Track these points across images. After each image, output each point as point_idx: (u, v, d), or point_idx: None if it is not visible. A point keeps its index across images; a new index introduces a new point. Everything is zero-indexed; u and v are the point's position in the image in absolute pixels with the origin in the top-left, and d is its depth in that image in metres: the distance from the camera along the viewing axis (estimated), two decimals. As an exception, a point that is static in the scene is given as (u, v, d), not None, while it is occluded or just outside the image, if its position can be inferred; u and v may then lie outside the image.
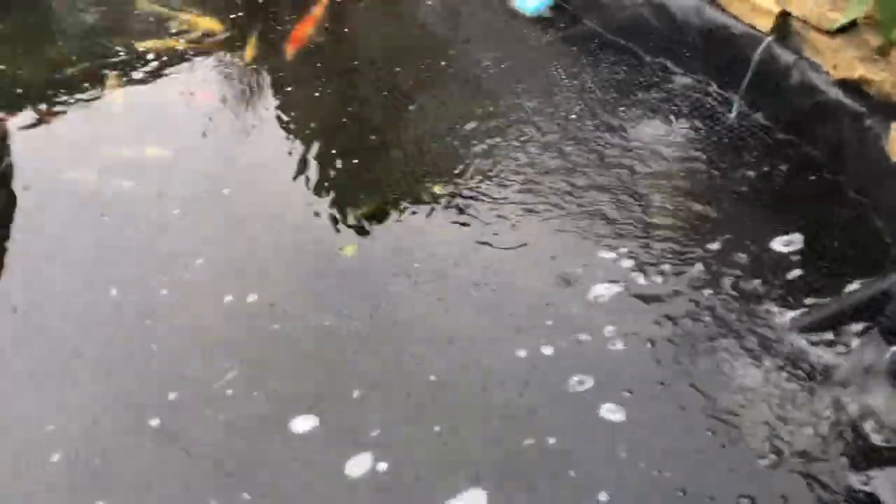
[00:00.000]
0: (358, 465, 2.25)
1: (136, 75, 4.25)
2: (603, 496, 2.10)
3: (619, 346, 2.49)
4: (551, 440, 2.25)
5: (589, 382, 2.40)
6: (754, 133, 3.26)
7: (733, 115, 3.36)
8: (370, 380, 2.51)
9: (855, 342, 2.30)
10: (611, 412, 2.31)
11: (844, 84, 2.83)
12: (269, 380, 2.55)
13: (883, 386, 2.05)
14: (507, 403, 2.39)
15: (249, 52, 4.36)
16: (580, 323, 2.59)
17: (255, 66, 4.29)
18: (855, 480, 2.05)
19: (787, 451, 2.14)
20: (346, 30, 4.66)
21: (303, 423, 2.38)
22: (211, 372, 2.58)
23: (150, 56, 4.42)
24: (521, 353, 2.52)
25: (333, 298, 2.82)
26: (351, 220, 3.17)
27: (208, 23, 4.72)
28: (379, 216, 3.18)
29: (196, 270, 2.99)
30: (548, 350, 2.52)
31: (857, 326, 2.34)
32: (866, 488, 2.03)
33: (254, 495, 2.21)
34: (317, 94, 4.02)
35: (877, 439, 2.12)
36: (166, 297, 2.87)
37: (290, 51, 4.33)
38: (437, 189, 3.27)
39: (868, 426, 2.15)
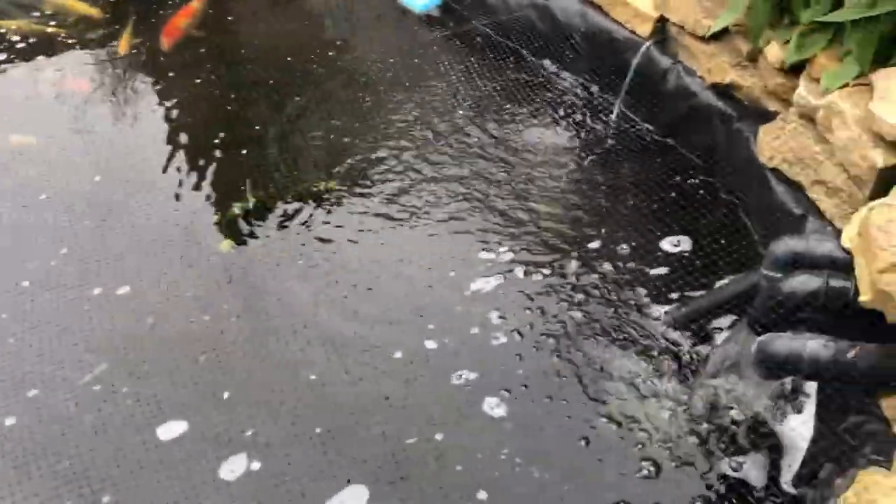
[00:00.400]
0: (233, 467, 2.18)
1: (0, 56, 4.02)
2: (482, 495, 2.10)
3: (501, 339, 2.50)
4: (436, 437, 2.24)
5: (471, 377, 2.40)
6: (634, 135, 3.35)
7: (614, 117, 3.45)
8: (248, 379, 2.43)
9: (725, 334, 2.39)
10: (492, 407, 2.31)
11: (717, 88, 2.95)
12: (139, 377, 2.43)
13: (750, 375, 2.13)
14: (391, 400, 2.36)
15: (125, 40, 4.17)
16: (461, 319, 2.59)
17: (131, 55, 4.11)
18: (725, 466, 2.13)
19: (660, 440, 2.19)
20: (231, 21, 4.52)
21: (174, 427, 2.29)
22: (77, 368, 2.44)
23: (16, 38, 4.17)
24: (403, 351, 2.49)
25: (209, 295, 2.72)
26: (229, 215, 3.07)
27: (84, 7, 4.50)
28: (258, 211, 3.09)
29: (62, 260, 2.82)
30: (430, 344, 2.50)
31: (727, 319, 2.43)
32: (736, 474, 2.11)
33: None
34: (197, 84, 3.88)
35: (744, 425, 2.21)
36: (27, 288, 2.70)
37: (166, 42, 4.17)
38: (320, 185, 3.20)
39: (736, 413, 2.23)
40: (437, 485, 2.13)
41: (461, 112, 3.58)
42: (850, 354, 1.82)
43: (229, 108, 3.71)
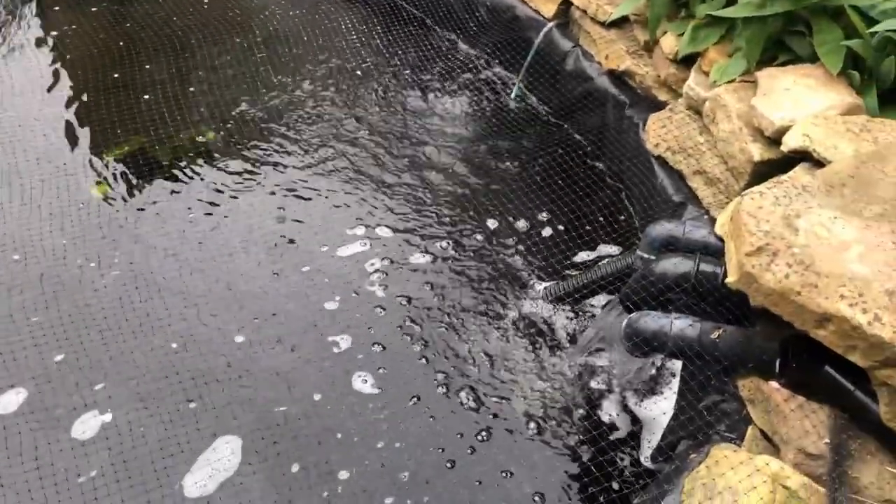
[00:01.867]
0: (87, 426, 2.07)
1: None
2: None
3: (382, 313, 2.46)
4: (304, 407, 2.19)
5: (345, 345, 2.36)
6: (531, 115, 3.37)
7: (513, 95, 3.46)
8: (117, 336, 2.31)
9: (598, 311, 2.43)
10: (364, 382, 2.27)
11: (613, 75, 3.00)
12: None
13: (618, 349, 2.18)
14: (265, 366, 2.29)
15: None
16: (344, 289, 2.54)
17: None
18: (589, 439, 2.17)
19: (527, 412, 2.22)
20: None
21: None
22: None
23: None
24: (279, 316, 2.43)
25: (75, 239, 2.58)
26: (106, 159, 2.91)
27: None
28: (137, 158, 2.94)
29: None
30: (307, 313, 2.45)
31: (603, 298, 2.48)
32: (599, 447, 2.15)
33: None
34: (83, 21, 3.66)
35: (610, 401, 2.26)
36: None
37: None
38: (208, 136, 3.08)
39: (603, 388, 2.28)
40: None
41: (358, 74, 3.51)
42: (714, 335, 1.89)
43: (113, 50, 3.51)
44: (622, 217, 2.84)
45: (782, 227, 1.69)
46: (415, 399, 2.22)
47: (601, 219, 2.83)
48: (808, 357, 1.74)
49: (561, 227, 2.81)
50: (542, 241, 2.75)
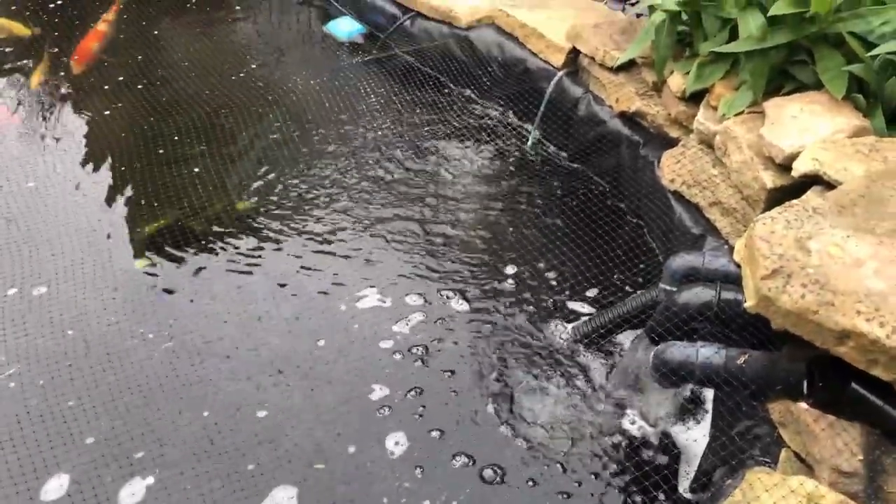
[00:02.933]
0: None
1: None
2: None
3: (415, 360, 2.52)
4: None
5: (382, 392, 2.41)
6: (548, 161, 3.46)
7: (529, 144, 3.55)
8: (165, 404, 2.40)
9: (627, 346, 2.46)
10: (396, 442, 2.30)
11: (624, 116, 3.07)
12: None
13: (649, 383, 2.20)
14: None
15: (39, 72, 4.16)
16: (383, 342, 2.60)
17: (51, 78, 4.10)
18: (629, 476, 2.18)
19: (571, 451, 2.24)
20: (153, 44, 4.51)
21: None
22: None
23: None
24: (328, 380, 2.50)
25: (121, 311, 2.70)
26: (147, 233, 3.05)
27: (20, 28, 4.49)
28: (174, 230, 3.07)
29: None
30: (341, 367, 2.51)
31: (630, 334, 2.51)
32: (639, 484, 2.16)
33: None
34: (117, 107, 3.85)
35: (647, 435, 2.27)
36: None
37: (76, 67, 4.18)
38: (236, 206, 3.20)
39: (639, 423, 2.30)
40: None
41: (382, 137, 3.63)
42: (740, 361, 1.91)
43: (144, 132, 3.68)
44: (644, 253, 2.88)
45: (795, 249, 1.73)
46: (446, 432, 2.26)
47: (624, 256, 2.88)
48: (834, 376, 1.76)
49: (585, 267, 2.86)
50: (566, 282, 2.80)
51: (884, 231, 1.76)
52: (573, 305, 2.71)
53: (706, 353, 1.95)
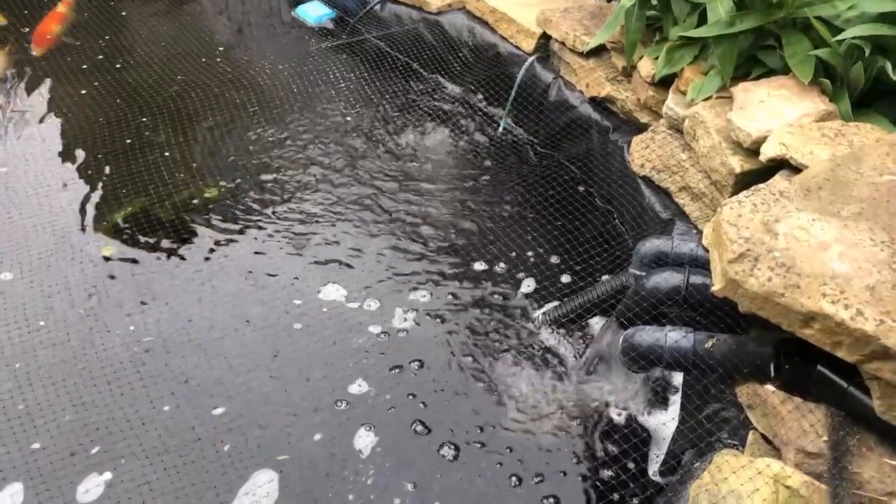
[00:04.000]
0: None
1: None
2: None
3: (381, 351, 2.51)
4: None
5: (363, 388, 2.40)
6: (519, 147, 3.45)
7: (500, 129, 3.54)
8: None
9: (597, 331, 2.47)
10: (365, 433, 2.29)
11: (594, 101, 3.07)
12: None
13: (619, 368, 2.21)
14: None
15: (2, 57, 4.08)
16: (348, 329, 2.58)
17: (14, 62, 4.01)
18: (599, 460, 2.19)
19: (535, 434, 2.24)
20: (118, 26, 4.44)
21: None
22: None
23: None
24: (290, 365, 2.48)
25: (85, 298, 2.65)
26: (112, 220, 3.00)
27: None
28: (140, 217, 3.02)
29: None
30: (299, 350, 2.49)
31: (600, 319, 2.52)
32: (609, 467, 2.17)
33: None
34: (83, 92, 3.78)
35: (617, 420, 2.28)
36: None
37: (36, 49, 4.11)
38: (203, 193, 3.16)
39: (609, 408, 2.31)
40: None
41: (350, 120, 3.60)
42: (708, 345, 1.92)
43: (111, 117, 3.61)
44: (615, 238, 2.88)
45: (762, 232, 1.73)
46: (419, 429, 2.25)
47: (595, 241, 2.88)
48: (800, 358, 1.77)
49: (556, 252, 2.86)
50: (538, 267, 2.80)
51: (848, 214, 1.78)
52: (544, 291, 2.71)
53: (674, 336, 1.96)
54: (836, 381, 1.70)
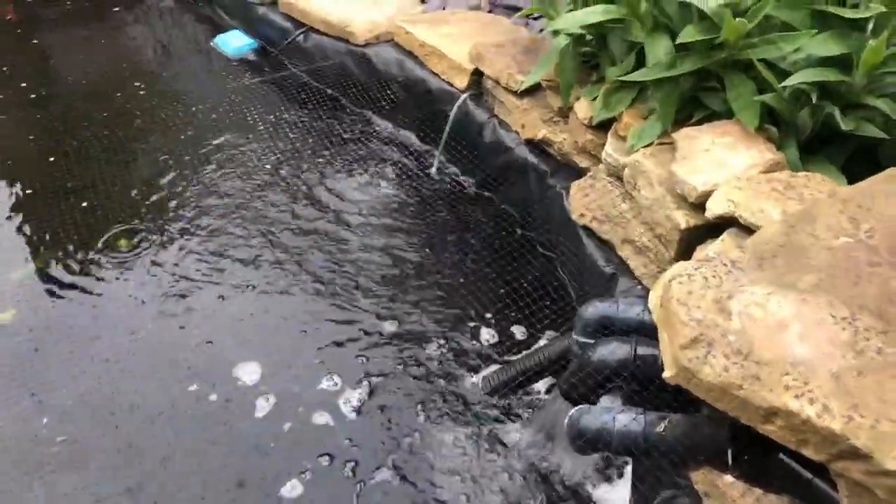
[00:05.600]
0: None
1: None
2: None
3: (307, 416, 2.30)
4: None
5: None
6: (454, 189, 3.26)
7: (433, 170, 3.35)
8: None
9: (543, 397, 2.29)
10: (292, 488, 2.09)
11: (531, 143, 2.91)
12: None
13: (565, 447, 2.03)
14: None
15: None
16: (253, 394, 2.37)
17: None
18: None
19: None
20: (40, 54, 4.15)
21: None
22: None
23: None
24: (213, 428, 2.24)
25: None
26: (14, 279, 2.73)
27: None
28: (45, 274, 2.76)
29: None
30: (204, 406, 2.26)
31: (544, 383, 2.34)
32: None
33: None
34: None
35: (563, 496, 2.11)
36: None
37: None
38: (112, 242, 2.90)
39: (555, 484, 2.13)
40: None
41: (270, 163, 3.37)
42: (660, 428, 1.76)
43: (29, 154, 3.34)
44: (558, 290, 2.71)
45: (715, 312, 1.58)
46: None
47: (536, 294, 2.71)
48: (760, 446, 1.62)
49: (495, 306, 2.68)
50: (475, 323, 2.62)
51: (806, 286, 1.63)
52: (482, 349, 2.52)
53: (623, 420, 1.79)
54: (801, 472, 1.55)
